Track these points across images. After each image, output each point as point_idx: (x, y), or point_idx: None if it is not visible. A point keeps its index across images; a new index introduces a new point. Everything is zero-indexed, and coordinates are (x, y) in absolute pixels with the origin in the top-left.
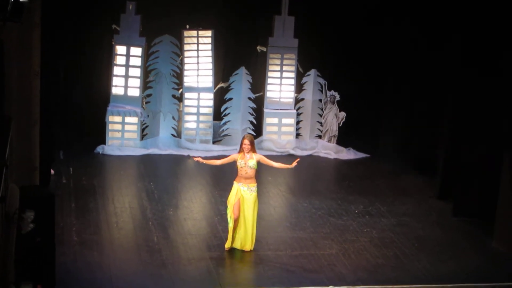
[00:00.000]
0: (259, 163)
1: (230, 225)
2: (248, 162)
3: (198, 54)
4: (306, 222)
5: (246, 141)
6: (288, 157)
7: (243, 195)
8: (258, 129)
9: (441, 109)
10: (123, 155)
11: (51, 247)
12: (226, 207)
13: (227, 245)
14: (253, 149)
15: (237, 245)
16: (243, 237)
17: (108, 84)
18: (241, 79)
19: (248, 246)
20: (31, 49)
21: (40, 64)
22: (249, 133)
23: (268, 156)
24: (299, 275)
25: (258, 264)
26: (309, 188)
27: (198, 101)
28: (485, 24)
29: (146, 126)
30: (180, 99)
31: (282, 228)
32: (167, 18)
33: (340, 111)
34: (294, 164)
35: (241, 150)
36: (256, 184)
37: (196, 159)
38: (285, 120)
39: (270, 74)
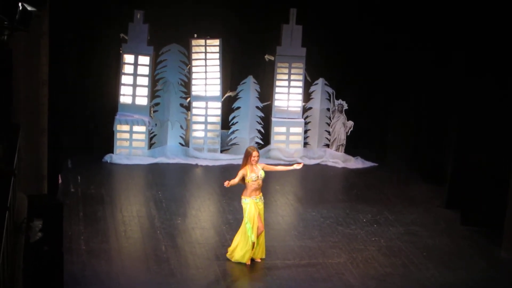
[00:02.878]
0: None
1: (254, 239)
2: (259, 173)
3: (206, 63)
4: (314, 231)
5: (256, 153)
6: None
7: (259, 208)
8: (266, 138)
9: (448, 118)
10: (131, 164)
11: (59, 256)
12: (235, 217)
13: (249, 261)
14: None
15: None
16: (257, 247)
17: (116, 93)
18: (249, 88)
19: (261, 254)
20: (39, 57)
21: (48, 72)
22: (251, 146)
23: (276, 165)
24: (308, 284)
25: (266, 273)
26: (317, 197)
27: (206, 110)
28: (491, 33)
29: (154, 135)
30: (188, 108)
31: (290, 237)
32: (175, 27)
33: (348, 120)
34: (296, 166)
35: (248, 163)
36: None
37: (226, 184)
38: (293, 129)
39: (278, 83)
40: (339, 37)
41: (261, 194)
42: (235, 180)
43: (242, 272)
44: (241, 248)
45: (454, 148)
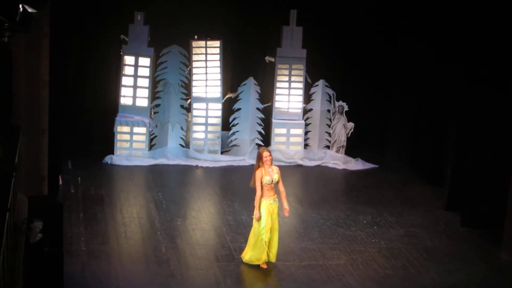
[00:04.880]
0: None
1: (266, 239)
2: (274, 177)
3: (207, 65)
4: (315, 233)
5: (267, 153)
6: (296, 168)
7: (273, 209)
8: (266, 139)
9: (449, 120)
10: (131, 165)
11: (59, 257)
12: (235, 218)
13: (263, 261)
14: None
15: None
16: (271, 248)
17: (116, 94)
18: (250, 90)
19: (273, 258)
20: (40, 58)
21: (48, 73)
22: (261, 145)
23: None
24: (307, 286)
25: (266, 275)
26: (317, 198)
27: (207, 111)
28: (492, 36)
29: (155, 136)
30: (188, 109)
31: (290, 239)
32: (176, 28)
33: (348, 122)
34: (286, 209)
35: (261, 165)
36: None
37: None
38: (293, 131)
39: (278, 84)
40: (340, 38)
41: (275, 195)
42: (259, 194)
43: (241, 274)
44: (252, 248)
45: (454, 150)
